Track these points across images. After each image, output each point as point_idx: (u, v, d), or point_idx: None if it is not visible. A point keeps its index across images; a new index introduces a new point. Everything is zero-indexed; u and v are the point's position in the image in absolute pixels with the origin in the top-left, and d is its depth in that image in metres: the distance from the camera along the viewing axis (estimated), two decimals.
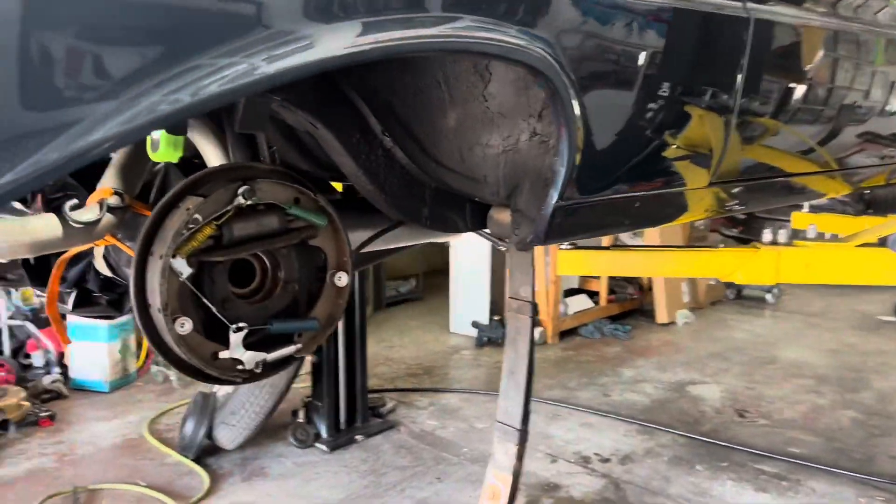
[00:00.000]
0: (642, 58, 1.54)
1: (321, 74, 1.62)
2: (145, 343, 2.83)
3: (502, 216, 1.90)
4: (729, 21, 1.79)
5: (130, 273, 1.22)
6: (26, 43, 0.85)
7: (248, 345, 1.33)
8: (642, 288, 7.45)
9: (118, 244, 1.41)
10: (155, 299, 1.21)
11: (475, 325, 6.56)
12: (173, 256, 1.20)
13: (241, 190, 1.28)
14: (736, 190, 2.16)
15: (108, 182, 1.50)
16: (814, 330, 7.09)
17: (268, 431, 4.59)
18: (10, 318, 5.56)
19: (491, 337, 6.48)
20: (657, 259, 2.89)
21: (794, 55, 2.03)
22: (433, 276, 8.28)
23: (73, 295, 1.86)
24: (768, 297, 8.02)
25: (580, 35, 1.44)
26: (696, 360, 6.14)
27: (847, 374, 5.81)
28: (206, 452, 4.40)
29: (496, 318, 6.64)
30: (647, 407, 5.10)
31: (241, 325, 1.30)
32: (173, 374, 5.66)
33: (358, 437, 4.58)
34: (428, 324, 7.23)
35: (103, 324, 5.42)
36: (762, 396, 5.33)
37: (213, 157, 1.71)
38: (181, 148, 1.35)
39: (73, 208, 1.33)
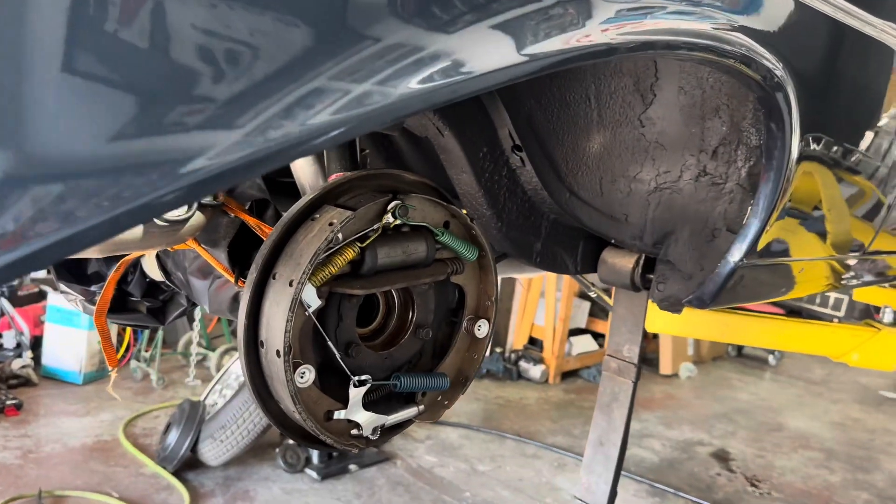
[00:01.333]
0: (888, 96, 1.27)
1: None
2: (127, 334, 2.48)
3: (622, 262, 1.61)
4: None
5: (242, 299, 0.91)
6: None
7: (366, 404, 1.02)
8: (646, 335, 7.19)
9: (201, 250, 1.10)
10: (273, 338, 0.90)
11: None
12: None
13: (392, 206, 0.97)
14: (873, 262, 1.89)
15: None
16: (817, 399, 6.89)
17: (255, 450, 4.23)
18: None
19: (491, 370, 6.18)
20: (768, 328, 2.62)
21: None
22: None
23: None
24: (770, 358, 7.83)
25: (820, 57, 1.16)
26: (702, 418, 5.90)
27: (856, 451, 5.60)
28: (186, 466, 4.03)
29: (497, 349, 6.34)
30: (655, 465, 4.83)
31: (363, 377, 0.99)
32: (153, 373, 5.27)
33: (352, 467, 4.24)
34: None
35: None
36: (772, 466, 5.09)
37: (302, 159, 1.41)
38: None
39: None
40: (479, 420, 5.29)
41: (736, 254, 1.26)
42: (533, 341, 6.56)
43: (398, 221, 0.99)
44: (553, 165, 1.47)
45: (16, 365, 4.96)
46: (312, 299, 0.91)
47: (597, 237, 1.61)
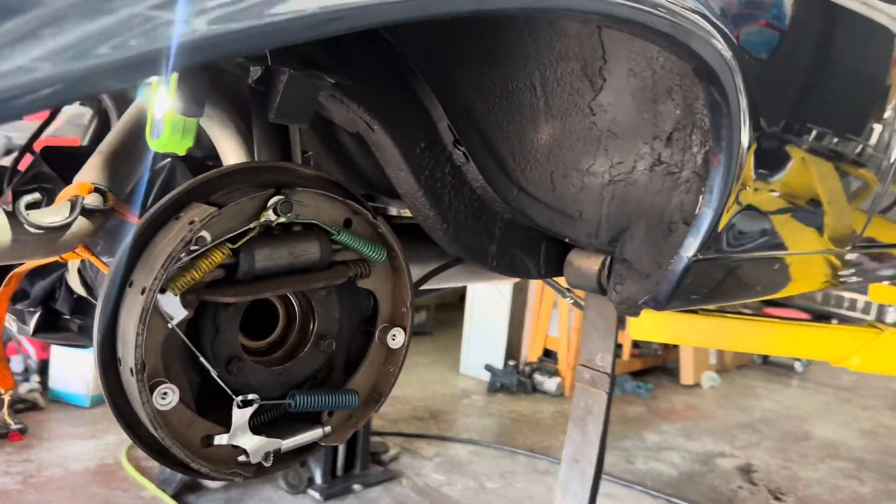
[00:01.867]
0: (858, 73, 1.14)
1: (383, 58, 1.24)
2: None
3: (587, 263, 1.49)
4: None
5: (97, 310, 0.81)
6: None
7: (257, 426, 0.91)
8: (667, 344, 7.00)
9: (94, 260, 1.01)
10: (127, 354, 0.80)
11: (488, 368, 6.12)
12: (162, 291, 0.80)
13: (272, 201, 0.87)
14: (865, 257, 1.74)
15: (90, 175, 1.10)
16: (847, 406, 6.62)
17: None
18: None
19: (504, 383, 6.03)
20: (761, 332, 2.45)
21: None
22: (446, 309, 7.85)
23: (37, 315, 1.45)
24: (797, 365, 7.57)
25: (771, 31, 1.04)
26: (725, 429, 5.68)
27: (888, 459, 5.34)
28: (186, 488, 3.95)
29: (511, 363, 6.20)
30: (674, 479, 4.64)
31: (249, 397, 0.88)
32: None
33: (356, 487, 4.12)
34: (436, 362, 6.78)
35: None
36: (798, 478, 4.86)
37: (232, 155, 1.31)
38: (192, 136, 0.95)
39: (32, 206, 0.92)
40: (492, 436, 5.15)
41: (690, 248, 1.13)
42: (548, 353, 6.40)
43: (282, 219, 0.88)
44: (498, 160, 1.36)
45: (23, 389, 4.94)
46: (175, 309, 0.81)
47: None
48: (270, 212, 0.87)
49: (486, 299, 6.36)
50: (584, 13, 0.83)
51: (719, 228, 1.12)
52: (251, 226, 0.86)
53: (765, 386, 7.02)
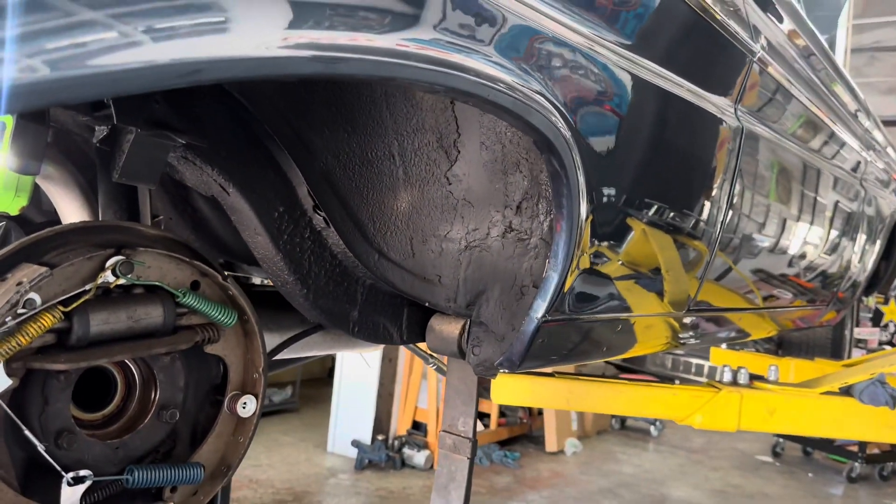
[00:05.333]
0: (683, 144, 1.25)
1: (238, 120, 1.24)
2: None
3: (448, 328, 1.51)
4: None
5: None
6: None
7: (95, 503, 0.84)
8: (531, 412, 7.14)
9: None
10: None
11: (355, 444, 5.96)
12: None
13: (111, 262, 0.83)
14: (701, 320, 1.89)
15: None
16: (698, 467, 6.98)
17: None
18: None
19: (372, 459, 5.89)
20: (614, 393, 2.55)
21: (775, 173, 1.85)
22: (312, 384, 7.64)
23: None
24: (652, 429, 7.94)
25: (599, 106, 1.13)
26: (588, 495, 5.81)
27: None
28: None
29: (380, 437, 6.08)
30: None
31: (81, 473, 0.81)
32: None
33: None
34: (302, 440, 6.54)
35: None
36: None
37: (73, 216, 1.25)
38: (26, 195, 0.90)
39: None
40: None
41: (539, 310, 1.19)
42: (417, 425, 6.34)
43: (122, 281, 0.84)
44: (359, 226, 1.37)
45: None
46: None
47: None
48: (108, 273, 0.83)
49: (355, 372, 6.25)
50: (431, 84, 0.88)
51: (565, 290, 1.18)
52: (86, 288, 0.81)
53: (623, 451, 7.28)
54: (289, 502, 5.12)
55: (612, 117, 1.22)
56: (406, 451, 6.03)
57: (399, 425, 6.32)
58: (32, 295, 0.77)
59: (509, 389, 2.57)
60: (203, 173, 1.20)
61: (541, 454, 6.79)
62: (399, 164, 1.37)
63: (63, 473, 0.81)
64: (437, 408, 6.04)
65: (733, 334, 2.25)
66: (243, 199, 1.23)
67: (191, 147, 1.15)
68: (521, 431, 7.09)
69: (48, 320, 0.78)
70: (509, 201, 1.32)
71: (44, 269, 0.77)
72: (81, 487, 0.82)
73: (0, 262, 0.78)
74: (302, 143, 1.28)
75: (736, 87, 1.66)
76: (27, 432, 0.77)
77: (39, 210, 1.55)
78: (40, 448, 0.79)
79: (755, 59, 1.72)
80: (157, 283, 0.88)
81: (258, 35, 0.69)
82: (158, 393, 0.93)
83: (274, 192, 1.28)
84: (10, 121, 0.87)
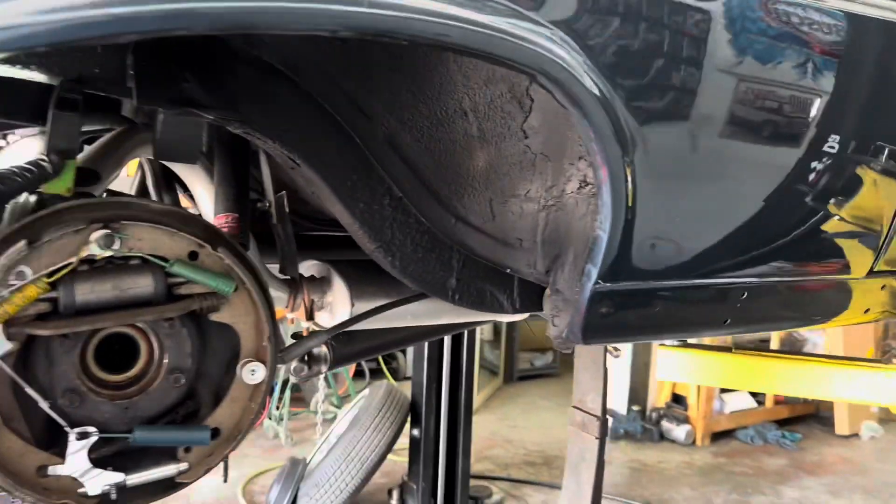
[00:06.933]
0: None
1: (290, 93, 1.25)
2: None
3: None
4: None
5: None
6: None
7: (103, 459, 0.93)
8: None
9: None
10: None
11: (611, 414, 5.81)
12: None
13: (95, 236, 0.89)
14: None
15: None
16: None
17: None
18: None
19: (627, 430, 5.71)
20: (802, 374, 2.13)
21: None
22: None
23: None
24: None
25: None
26: (882, 486, 4.98)
27: None
28: None
29: (635, 408, 5.86)
30: None
31: (85, 429, 0.90)
32: (282, 431, 5.46)
33: None
34: (560, 405, 6.56)
35: None
36: None
37: (203, 194, 1.40)
38: (70, 177, 1.00)
39: None
40: (608, 485, 4.85)
41: (592, 274, 1.02)
42: (677, 398, 5.99)
43: (108, 253, 0.90)
44: (431, 190, 1.31)
45: None
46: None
47: None
48: (93, 245, 0.90)
49: None
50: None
51: (620, 252, 1.00)
52: (70, 260, 0.89)
53: None
54: (538, 464, 5.19)
55: (639, 56, 1.00)
56: (665, 423, 5.74)
57: (657, 397, 6.02)
58: (23, 268, 0.87)
59: (672, 364, 2.26)
60: (272, 147, 1.24)
61: (828, 437, 5.99)
62: (473, 121, 1.28)
63: (67, 428, 0.90)
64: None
65: None
66: (312, 171, 1.24)
67: (249, 123, 1.19)
68: (806, 411, 6.31)
69: (33, 291, 0.88)
70: (582, 150, 1.15)
71: (21, 243, 0.87)
72: (87, 442, 0.91)
73: (2, 241, 0.90)
74: (359, 109, 1.25)
75: None
76: (28, 389, 0.88)
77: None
78: (43, 405, 0.89)
79: None
80: (140, 254, 0.94)
81: None
82: (168, 357, 0.99)
83: (343, 161, 1.27)
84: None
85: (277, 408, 5.65)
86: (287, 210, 1.62)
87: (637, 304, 1.11)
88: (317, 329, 1.45)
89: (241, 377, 1.01)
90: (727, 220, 1.16)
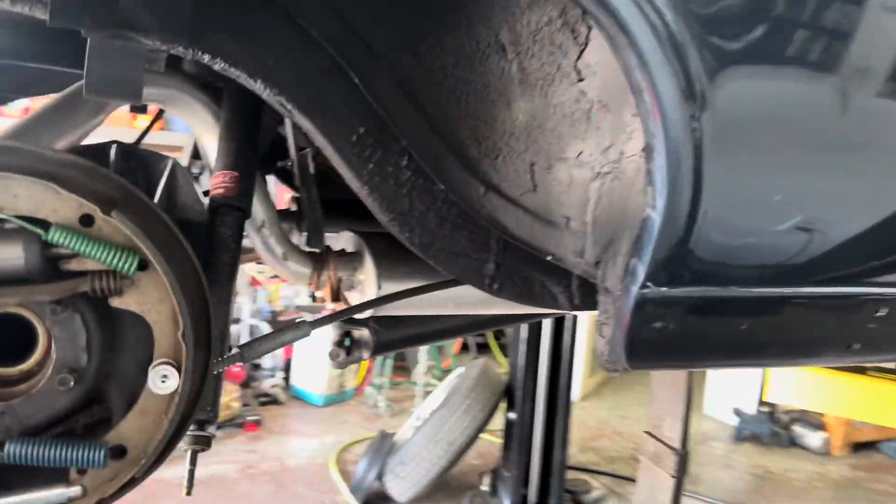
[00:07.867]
0: None
1: (277, 23, 0.99)
2: (365, 361, 2.43)
3: None
4: None
5: None
6: None
7: None
8: None
9: None
10: None
11: (737, 413, 5.28)
12: None
13: None
14: None
15: None
16: None
17: (449, 490, 4.04)
18: (251, 316, 5.73)
19: (755, 432, 5.16)
20: None
21: None
22: None
23: None
24: None
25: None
26: None
27: None
28: (378, 497, 3.98)
29: (765, 408, 5.28)
30: None
31: None
32: (382, 401, 5.39)
33: None
34: None
35: None
36: None
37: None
38: None
39: None
40: (726, 492, 4.40)
41: (639, 273, 0.70)
42: None
43: None
44: (454, 148, 1.02)
45: (267, 384, 5.44)
46: None
47: None
48: None
49: None
50: None
51: (678, 245, 0.67)
52: None
53: None
54: None
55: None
56: (797, 428, 5.15)
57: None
58: None
59: (786, 384, 1.81)
60: (259, 91, 1.00)
61: None
62: (512, 57, 0.97)
63: None
64: None
65: None
66: (307, 120, 0.99)
67: (233, 61, 0.95)
68: None
69: None
70: None
71: None
72: None
73: None
74: (362, 42, 0.97)
75: None
76: None
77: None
78: None
79: None
80: (6, 216, 0.71)
81: None
82: (56, 351, 0.77)
83: (348, 109, 1.02)
84: None
85: (379, 376, 5.57)
86: (313, 171, 1.40)
87: (708, 319, 0.77)
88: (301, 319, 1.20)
89: (150, 382, 0.77)
90: (863, 208, 0.79)
